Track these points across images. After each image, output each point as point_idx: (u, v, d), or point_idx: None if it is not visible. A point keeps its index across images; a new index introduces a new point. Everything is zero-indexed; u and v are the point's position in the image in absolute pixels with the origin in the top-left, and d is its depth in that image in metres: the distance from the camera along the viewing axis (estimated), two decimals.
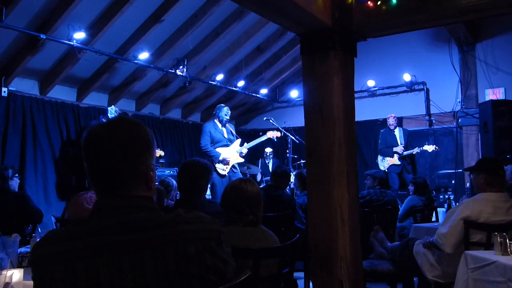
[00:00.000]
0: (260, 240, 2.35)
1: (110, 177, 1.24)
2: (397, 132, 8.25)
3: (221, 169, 6.83)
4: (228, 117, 7.03)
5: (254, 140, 7.35)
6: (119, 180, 1.25)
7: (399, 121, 8.79)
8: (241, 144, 7.11)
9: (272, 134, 7.38)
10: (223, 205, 2.47)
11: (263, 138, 7.39)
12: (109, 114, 6.72)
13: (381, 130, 8.51)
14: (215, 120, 7.05)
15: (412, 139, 8.72)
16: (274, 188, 4.63)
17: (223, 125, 7.03)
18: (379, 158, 8.38)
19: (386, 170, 8.08)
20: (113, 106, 6.89)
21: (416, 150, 7.98)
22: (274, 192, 4.55)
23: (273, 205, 4.19)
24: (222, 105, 7.26)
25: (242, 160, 7.06)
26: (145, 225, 1.20)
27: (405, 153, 8.06)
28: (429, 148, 7.87)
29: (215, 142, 6.90)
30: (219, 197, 5.05)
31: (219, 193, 5.96)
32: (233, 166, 6.94)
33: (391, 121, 8.27)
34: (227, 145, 6.97)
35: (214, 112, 7.12)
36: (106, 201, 1.25)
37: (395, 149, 8.12)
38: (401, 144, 8.13)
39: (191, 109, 9.81)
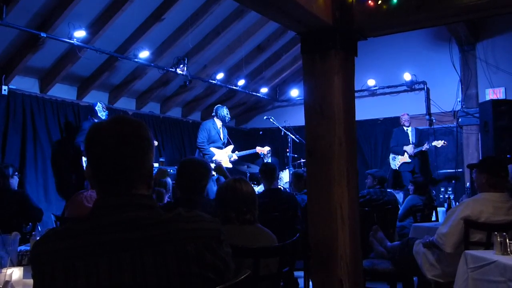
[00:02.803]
0: (257, 238, 2.35)
1: (118, 176, 1.24)
2: (410, 130, 8.19)
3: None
4: (229, 116, 7.23)
5: (245, 151, 7.71)
6: (126, 179, 1.25)
7: (398, 121, 8.79)
8: (233, 151, 7.32)
9: (261, 150, 7.79)
10: (219, 205, 2.48)
11: (252, 151, 7.81)
12: (99, 114, 6.68)
13: (394, 129, 8.47)
14: (215, 119, 7.14)
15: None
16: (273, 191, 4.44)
17: (223, 126, 7.17)
18: (391, 156, 8.32)
19: (398, 169, 8.08)
20: (99, 103, 6.82)
21: (425, 147, 7.91)
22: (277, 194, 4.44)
23: (276, 207, 4.12)
24: (221, 105, 7.42)
25: (230, 165, 7.26)
26: (145, 223, 1.20)
27: (415, 150, 8.01)
28: (438, 143, 7.83)
29: (210, 142, 7.00)
30: (210, 195, 5.04)
31: (209, 191, 5.99)
32: None
33: (405, 118, 8.19)
34: (220, 148, 7.13)
35: (214, 113, 7.25)
36: (106, 199, 1.25)
37: (405, 148, 8.08)
38: (412, 143, 8.07)
39: (191, 108, 9.81)
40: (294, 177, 5.26)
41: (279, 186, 6.94)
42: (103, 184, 1.26)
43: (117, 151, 1.24)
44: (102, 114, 6.72)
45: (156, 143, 7.52)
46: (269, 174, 4.47)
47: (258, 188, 7.34)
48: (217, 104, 9.99)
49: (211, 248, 1.23)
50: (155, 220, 1.21)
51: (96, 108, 6.73)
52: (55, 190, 6.77)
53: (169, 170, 7.41)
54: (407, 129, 8.20)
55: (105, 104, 7.19)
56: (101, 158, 1.25)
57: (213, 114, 7.27)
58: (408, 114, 8.25)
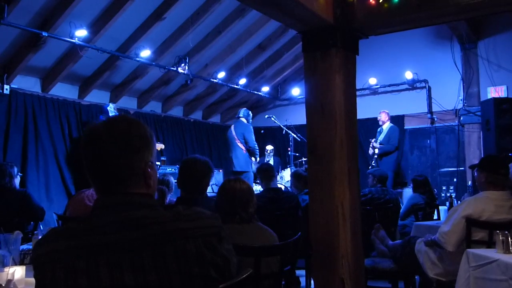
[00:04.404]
0: (256, 237, 2.35)
1: (108, 174, 1.25)
2: (385, 128, 8.15)
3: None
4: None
5: None
6: (116, 177, 1.25)
7: (400, 119, 8.77)
8: None
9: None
10: (217, 207, 2.49)
11: None
12: (110, 113, 6.75)
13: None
14: (244, 120, 7.69)
15: (414, 137, 8.69)
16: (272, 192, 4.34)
17: None
18: None
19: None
20: (111, 104, 6.92)
21: (374, 148, 7.95)
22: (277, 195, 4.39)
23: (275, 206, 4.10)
24: (245, 108, 8.05)
25: None
26: (145, 222, 1.19)
27: (370, 152, 8.08)
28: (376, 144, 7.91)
29: None
30: None
31: None
32: None
33: (379, 117, 8.23)
34: None
35: (245, 115, 7.76)
36: (105, 199, 1.25)
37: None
38: (376, 141, 8.08)
39: (192, 107, 9.81)
40: (293, 178, 5.20)
41: (279, 185, 6.99)
42: (98, 183, 1.27)
43: (106, 150, 1.24)
44: (113, 115, 6.76)
45: (162, 146, 7.65)
46: (265, 174, 4.48)
47: (260, 187, 7.37)
48: (217, 103, 10.08)
49: (211, 245, 1.22)
50: (154, 220, 1.21)
51: (108, 108, 6.88)
52: (57, 189, 6.78)
53: (170, 169, 7.45)
54: (381, 128, 8.21)
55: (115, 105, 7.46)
56: (92, 157, 1.26)
57: (244, 116, 7.73)
58: (385, 112, 8.19)
